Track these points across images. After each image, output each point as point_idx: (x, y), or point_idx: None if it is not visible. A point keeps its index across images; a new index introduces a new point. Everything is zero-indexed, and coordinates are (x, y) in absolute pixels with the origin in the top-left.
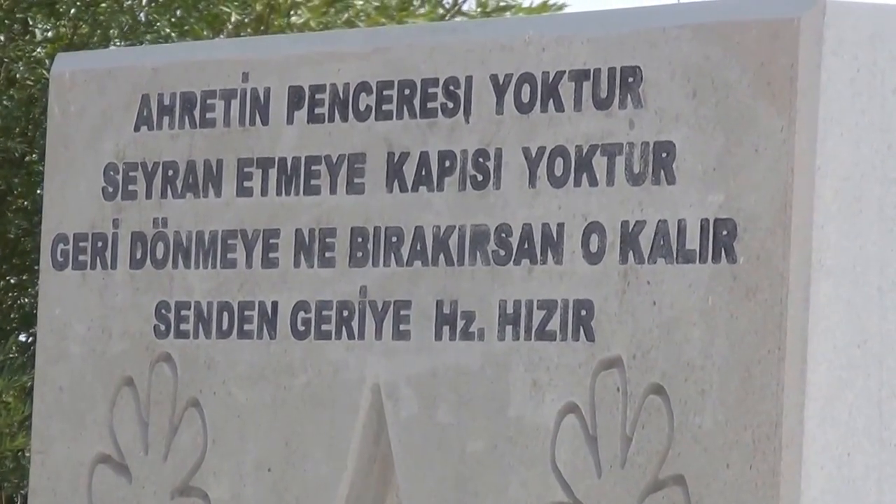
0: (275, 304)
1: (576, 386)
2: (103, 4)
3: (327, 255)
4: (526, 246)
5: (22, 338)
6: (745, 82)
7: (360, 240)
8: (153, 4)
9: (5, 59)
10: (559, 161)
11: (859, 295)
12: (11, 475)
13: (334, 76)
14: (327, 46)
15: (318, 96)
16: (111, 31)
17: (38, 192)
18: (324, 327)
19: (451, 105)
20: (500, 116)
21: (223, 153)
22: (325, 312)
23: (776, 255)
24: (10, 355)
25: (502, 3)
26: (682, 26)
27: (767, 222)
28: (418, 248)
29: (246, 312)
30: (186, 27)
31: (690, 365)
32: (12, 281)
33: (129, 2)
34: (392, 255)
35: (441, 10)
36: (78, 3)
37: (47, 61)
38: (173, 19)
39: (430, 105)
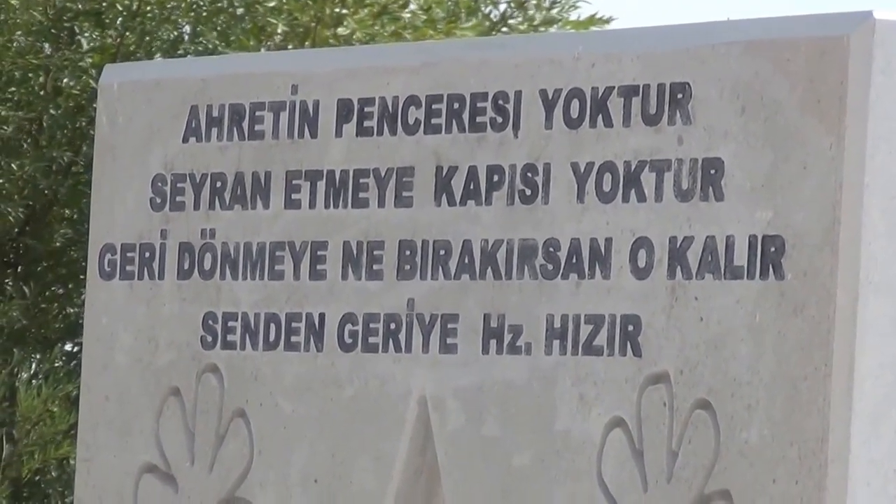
0: (322, 317)
1: (622, 400)
2: (149, 15)
3: (375, 267)
4: (574, 260)
5: (67, 347)
6: (794, 99)
7: (408, 253)
8: (199, 16)
9: (52, 69)
10: (607, 176)
11: None
12: (56, 484)
13: (383, 89)
14: (377, 60)
15: (367, 109)
16: (157, 42)
17: (84, 201)
18: (371, 340)
19: (499, 119)
20: (549, 131)
21: (271, 165)
22: (372, 325)
23: (824, 271)
24: (56, 364)
25: (550, 17)
26: (731, 43)
27: (815, 239)
28: (466, 261)
29: (293, 324)
30: (233, 38)
31: (737, 381)
32: (58, 290)
33: (175, 14)
34: (440, 268)
35: (488, 23)
36: (124, 14)
37: (93, 71)
38: (218, 29)
39: (478, 119)
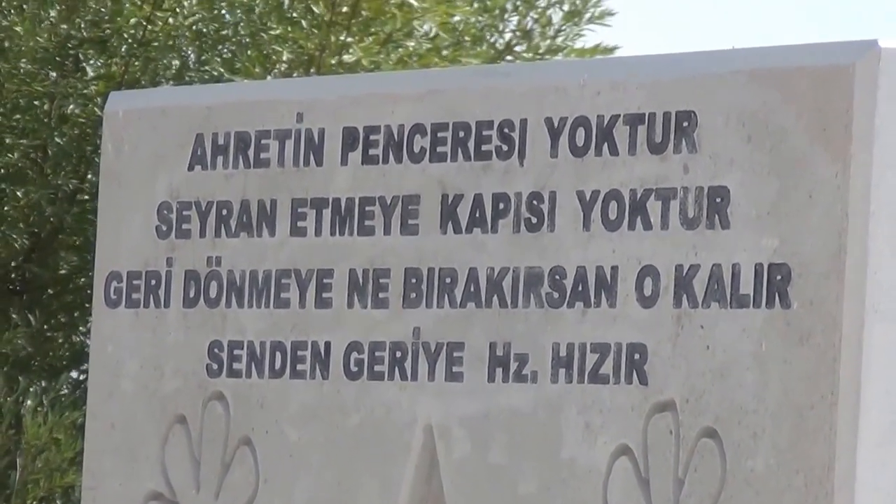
0: (328, 345)
1: (628, 429)
2: (155, 43)
3: (381, 295)
4: (580, 289)
5: (73, 375)
6: (799, 127)
7: (413, 281)
8: (205, 44)
9: (57, 96)
10: (613, 204)
11: None
12: None
13: (388, 118)
14: (382, 88)
15: (372, 137)
16: (162, 71)
17: (90, 229)
18: (377, 368)
19: (505, 147)
20: (555, 160)
21: (277, 193)
22: (378, 353)
23: (830, 300)
24: (61, 392)
25: (555, 46)
26: (737, 72)
27: (821, 267)
28: (472, 289)
29: (299, 352)
30: (238, 66)
31: (743, 409)
32: (64, 318)
33: (180, 42)
34: (446, 296)
35: (493, 52)
36: (130, 42)
37: (99, 99)
38: (223, 57)
39: (484, 147)
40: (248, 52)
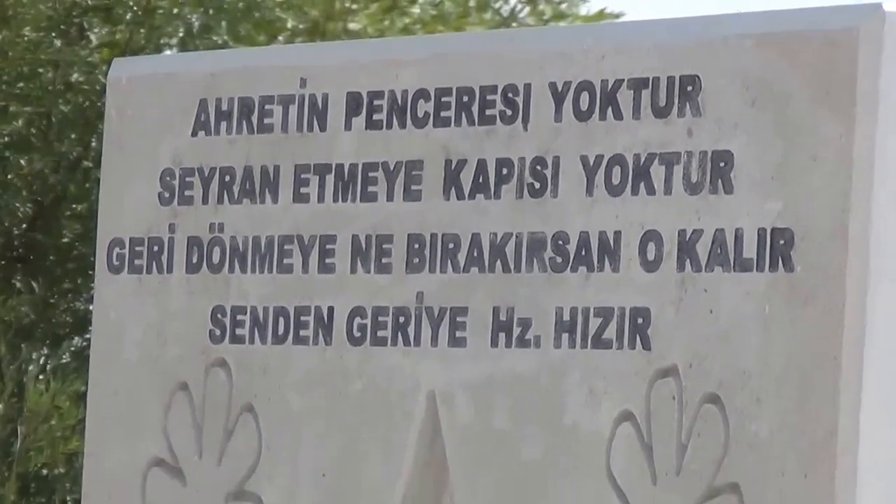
0: (331, 310)
1: (631, 394)
2: (159, 11)
3: (384, 261)
4: (583, 253)
5: (76, 342)
6: (804, 91)
7: (416, 246)
8: (208, 12)
9: (61, 64)
10: (617, 169)
11: None
12: (64, 479)
13: (392, 83)
14: (386, 53)
15: (376, 103)
16: (166, 38)
17: (94, 196)
18: (380, 333)
19: (509, 112)
20: (559, 124)
21: (280, 159)
22: (381, 318)
23: (834, 263)
24: (64, 360)
25: (559, 12)
26: (741, 35)
27: (825, 230)
28: (475, 254)
29: (302, 318)
30: (242, 33)
31: (747, 373)
32: (67, 286)
33: (185, 9)
34: (449, 261)
35: (498, 19)
36: (134, 9)
37: (103, 66)
38: (227, 22)
39: (488, 112)
40: (253, 19)
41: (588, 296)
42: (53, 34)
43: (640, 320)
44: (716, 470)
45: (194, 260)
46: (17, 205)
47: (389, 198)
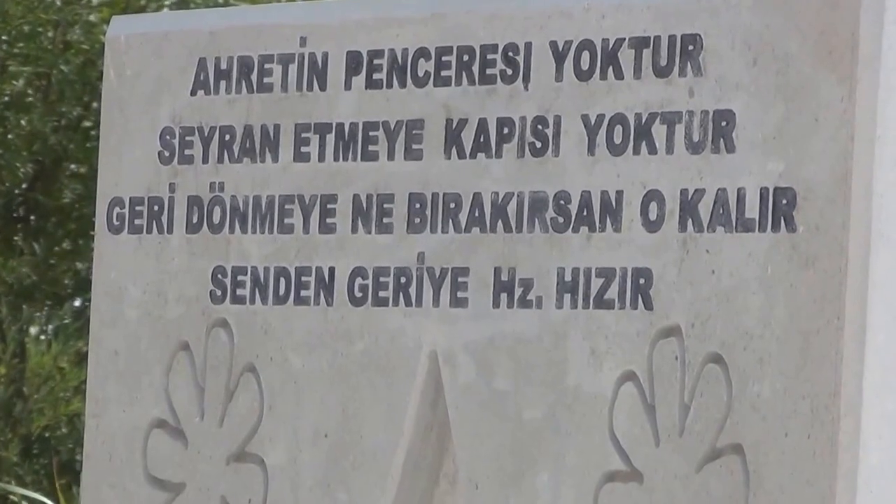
0: (332, 270)
1: (634, 354)
2: None
3: (385, 221)
4: (584, 213)
5: (77, 303)
6: (805, 51)
7: (417, 206)
8: None
9: (61, 23)
10: (618, 129)
11: None
12: (66, 440)
13: (392, 41)
14: (385, 11)
15: (376, 62)
16: None
17: (94, 157)
18: (381, 294)
19: (510, 72)
20: (559, 84)
21: (280, 118)
22: (382, 279)
23: (835, 224)
24: (65, 320)
25: None
26: None
27: (827, 191)
28: (476, 214)
29: (303, 278)
30: None
31: (749, 334)
32: (68, 246)
33: None
34: (450, 221)
35: None
36: None
37: (104, 25)
38: None
39: (489, 71)
40: None
41: (590, 256)
42: None
43: (642, 281)
44: (718, 431)
45: (194, 220)
46: (18, 165)
47: (390, 157)
